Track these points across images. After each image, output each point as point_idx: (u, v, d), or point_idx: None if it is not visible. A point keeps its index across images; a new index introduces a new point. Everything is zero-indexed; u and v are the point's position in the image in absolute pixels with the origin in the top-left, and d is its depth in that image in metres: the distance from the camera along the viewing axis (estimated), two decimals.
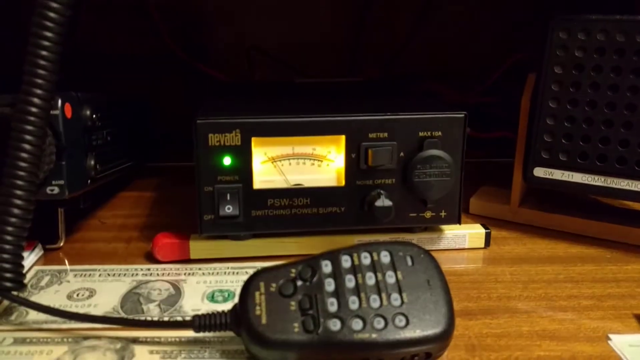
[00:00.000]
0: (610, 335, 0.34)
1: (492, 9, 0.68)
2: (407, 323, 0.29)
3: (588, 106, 0.43)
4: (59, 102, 0.38)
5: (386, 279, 0.31)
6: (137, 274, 0.40)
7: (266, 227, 0.41)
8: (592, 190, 0.44)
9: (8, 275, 0.33)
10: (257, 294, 0.31)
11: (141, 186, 0.59)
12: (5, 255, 0.33)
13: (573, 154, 0.44)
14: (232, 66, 0.68)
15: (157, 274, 0.40)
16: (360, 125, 0.40)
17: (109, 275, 0.40)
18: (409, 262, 0.32)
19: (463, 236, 0.45)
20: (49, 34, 0.32)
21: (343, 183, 0.41)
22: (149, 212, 0.52)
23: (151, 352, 0.32)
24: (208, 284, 0.39)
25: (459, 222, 0.43)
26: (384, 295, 0.30)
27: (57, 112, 0.38)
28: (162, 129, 0.66)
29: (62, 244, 0.44)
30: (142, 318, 0.35)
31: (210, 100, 0.47)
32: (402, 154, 0.41)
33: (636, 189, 0.43)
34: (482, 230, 0.45)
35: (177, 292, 0.38)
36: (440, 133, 0.40)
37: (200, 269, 0.41)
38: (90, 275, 0.40)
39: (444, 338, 0.30)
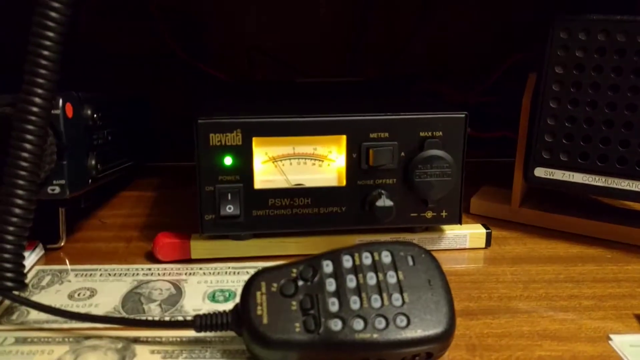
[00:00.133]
0: (611, 336, 0.34)
1: (492, 8, 0.68)
2: (408, 323, 0.29)
3: (589, 106, 0.43)
4: (60, 101, 0.38)
5: (387, 279, 0.31)
6: (138, 274, 0.40)
7: (267, 227, 0.41)
8: (593, 191, 0.44)
9: (9, 275, 0.33)
10: (258, 293, 0.31)
11: (142, 186, 0.59)
12: (7, 255, 0.33)
13: (574, 154, 0.44)
14: (232, 66, 0.68)
15: (158, 274, 0.40)
16: (361, 125, 0.40)
17: (109, 275, 0.40)
18: (410, 262, 0.32)
19: (464, 236, 0.45)
20: (49, 34, 0.32)
21: (344, 183, 0.41)
22: (150, 212, 0.52)
23: (152, 351, 0.32)
24: (209, 283, 0.39)
25: (460, 222, 0.43)
26: (385, 295, 0.30)
27: (58, 111, 0.38)
28: (162, 128, 0.66)
29: (62, 244, 0.44)
30: (143, 318, 0.35)
31: (211, 100, 0.47)
32: (403, 153, 0.41)
33: (636, 189, 0.43)
34: (483, 230, 0.45)
35: (178, 291, 0.38)
36: (441, 133, 0.40)
37: (201, 268, 0.41)
38: (91, 275, 0.40)
39: (445, 338, 0.30)
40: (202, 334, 0.33)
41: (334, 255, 0.32)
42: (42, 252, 0.43)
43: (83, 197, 0.44)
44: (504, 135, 0.61)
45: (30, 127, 0.33)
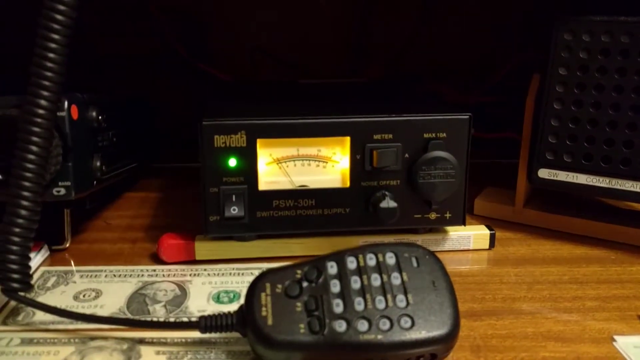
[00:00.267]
0: (615, 337, 0.34)
1: (494, 9, 0.68)
2: (413, 324, 0.29)
3: (593, 107, 0.43)
4: (66, 103, 0.38)
5: (391, 280, 0.31)
6: (142, 275, 0.40)
7: (271, 228, 0.41)
8: (597, 192, 0.44)
9: (15, 276, 0.33)
10: (263, 295, 0.31)
11: (146, 187, 0.59)
12: (13, 257, 0.33)
13: (577, 155, 0.44)
14: (235, 66, 0.68)
15: (163, 275, 0.41)
16: (365, 127, 0.40)
17: (114, 276, 0.40)
18: (414, 264, 0.32)
19: (468, 237, 0.45)
20: (55, 36, 0.32)
21: (348, 184, 0.41)
22: (154, 213, 0.52)
23: (157, 352, 0.32)
24: (213, 284, 0.39)
25: (464, 223, 0.43)
26: (389, 297, 0.30)
27: (63, 113, 0.38)
28: (164, 129, 0.66)
29: (68, 245, 0.44)
30: (149, 319, 0.35)
31: (215, 101, 0.47)
32: (407, 155, 0.41)
33: None
34: (487, 232, 0.45)
35: (182, 293, 0.38)
36: (445, 134, 0.40)
37: (205, 269, 0.41)
38: (96, 276, 0.40)
39: (449, 339, 0.30)
40: (206, 335, 0.33)
41: (339, 257, 0.32)
42: (48, 253, 0.43)
43: (88, 199, 0.44)
44: (507, 136, 0.61)
45: (35, 129, 0.33)
